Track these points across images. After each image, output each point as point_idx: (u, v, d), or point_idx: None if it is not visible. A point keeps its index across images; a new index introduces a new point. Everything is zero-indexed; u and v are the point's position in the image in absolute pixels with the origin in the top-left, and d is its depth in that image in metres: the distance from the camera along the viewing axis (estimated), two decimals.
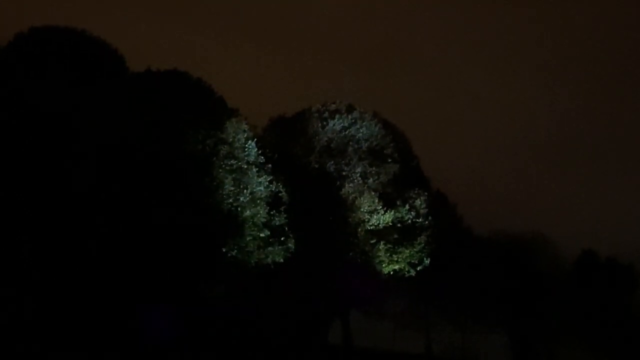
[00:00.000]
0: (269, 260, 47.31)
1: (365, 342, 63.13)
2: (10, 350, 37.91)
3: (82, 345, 40.14)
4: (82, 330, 41.08)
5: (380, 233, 53.09)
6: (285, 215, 48.64)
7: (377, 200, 53.55)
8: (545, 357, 67.87)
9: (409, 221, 53.64)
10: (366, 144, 56.89)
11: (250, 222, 46.25)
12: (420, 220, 53.96)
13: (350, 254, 53.01)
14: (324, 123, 57.38)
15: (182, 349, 45.28)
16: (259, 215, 46.69)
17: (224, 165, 46.67)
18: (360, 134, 57.17)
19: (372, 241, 52.90)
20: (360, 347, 62.27)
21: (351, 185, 54.08)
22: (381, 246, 52.70)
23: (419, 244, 53.35)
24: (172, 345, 44.00)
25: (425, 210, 54.45)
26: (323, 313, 58.53)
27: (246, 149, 48.06)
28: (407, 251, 53.04)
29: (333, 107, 58.45)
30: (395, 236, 53.16)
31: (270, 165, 49.37)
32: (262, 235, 46.68)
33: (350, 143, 56.77)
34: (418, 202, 54.64)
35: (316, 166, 55.46)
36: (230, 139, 47.51)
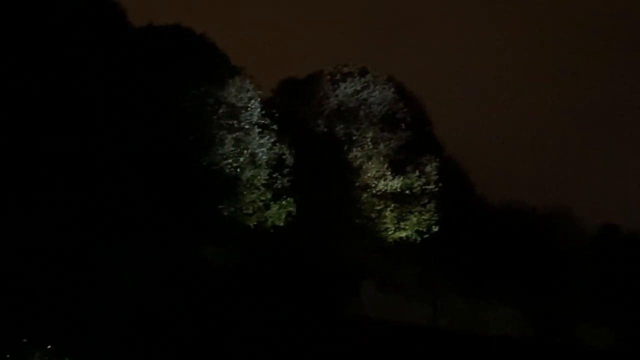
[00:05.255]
0: (269, 223, 46.00)
1: (376, 314, 61.83)
2: None
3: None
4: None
5: (387, 199, 51.48)
6: (288, 178, 47.26)
7: (385, 166, 51.88)
8: (562, 334, 65.87)
9: (418, 188, 51.93)
10: (378, 109, 55.14)
11: (249, 184, 44.97)
12: (430, 186, 52.24)
13: (357, 220, 51.44)
14: (335, 86, 55.67)
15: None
16: (259, 177, 45.40)
17: (224, 125, 45.41)
18: (373, 98, 55.41)
19: (379, 207, 51.33)
20: (372, 319, 61.01)
21: (359, 149, 52.46)
22: (387, 213, 51.10)
23: (427, 211, 51.68)
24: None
25: (436, 177, 52.64)
26: (333, 282, 57.15)
27: (249, 109, 46.68)
28: (415, 218, 51.41)
29: (346, 69, 56.65)
30: (403, 203, 51.49)
31: (275, 127, 47.91)
32: (262, 197, 45.33)
33: (362, 107, 55.06)
34: (429, 168, 52.91)
35: (325, 130, 53.84)
36: (232, 98, 46.17)
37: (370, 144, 53.36)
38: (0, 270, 34.77)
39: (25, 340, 35.25)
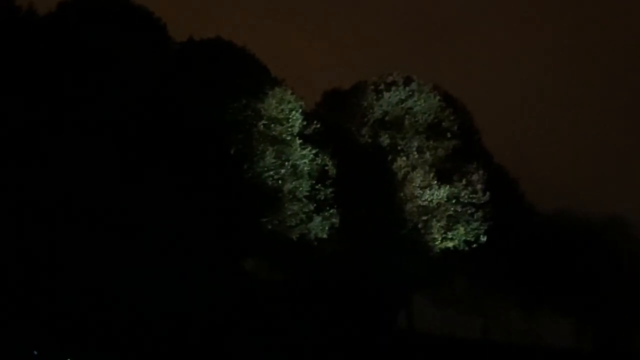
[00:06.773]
0: (312, 236, 45.35)
1: (427, 327, 60.64)
2: None
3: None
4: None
5: (433, 209, 50.41)
6: (330, 190, 46.61)
7: (431, 175, 50.85)
8: (620, 346, 63.71)
9: (466, 197, 50.76)
10: (424, 117, 54.20)
11: (291, 196, 44.45)
12: (477, 195, 51.02)
13: (402, 231, 50.47)
14: (380, 95, 54.96)
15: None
16: (300, 189, 44.86)
17: (265, 137, 45.08)
18: (418, 107, 54.48)
19: (425, 218, 50.28)
20: (423, 333, 59.90)
21: (404, 159, 51.53)
22: (434, 223, 50.00)
23: (475, 220, 50.44)
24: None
25: (483, 186, 51.40)
26: (381, 295, 56.20)
27: (290, 120, 46.27)
28: (462, 228, 50.21)
29: (390, 79, 55.84)
30: (450, 213, 50.38)
31: (317, 138, 47.38)
32: (304, 209, 44.75)
33: (407, 116, 54.22)
34: (475, 177, 51.68)
35: (369, 140, 53.08)
36: (273, 110, 45.83)
37: (415, 153, 52.40)
38: (16, 280, 34.61)
39: (36, 352, 34.72)
